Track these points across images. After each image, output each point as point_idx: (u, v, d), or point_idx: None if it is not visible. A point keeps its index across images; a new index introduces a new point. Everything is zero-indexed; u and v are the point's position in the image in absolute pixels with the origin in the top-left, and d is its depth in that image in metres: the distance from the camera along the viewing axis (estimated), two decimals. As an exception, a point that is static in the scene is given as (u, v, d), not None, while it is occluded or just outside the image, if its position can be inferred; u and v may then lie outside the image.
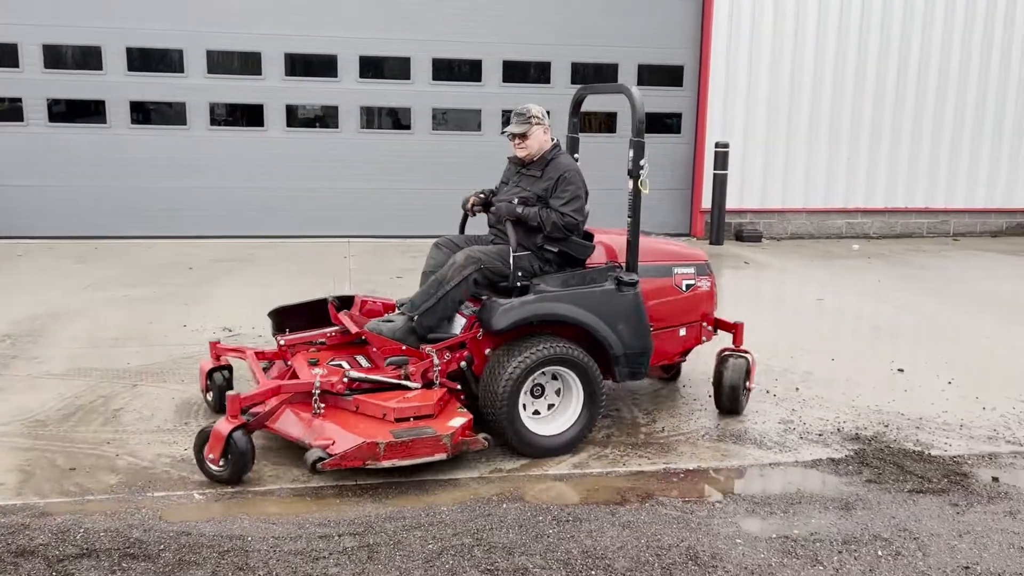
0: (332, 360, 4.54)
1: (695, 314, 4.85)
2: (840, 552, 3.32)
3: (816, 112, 11.74)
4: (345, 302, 5.00)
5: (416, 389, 4.17)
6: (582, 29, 11.20)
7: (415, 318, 4.38)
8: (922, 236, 12.46)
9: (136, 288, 7.81)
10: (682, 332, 4.79)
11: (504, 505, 3.66)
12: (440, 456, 3.83)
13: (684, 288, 4.78)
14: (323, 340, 4.75)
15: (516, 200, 4.53)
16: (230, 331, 6.41)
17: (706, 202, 11.49)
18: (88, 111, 10.39)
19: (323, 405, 4.04)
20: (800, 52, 11.54)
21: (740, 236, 11.72)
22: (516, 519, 3.53)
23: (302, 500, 3.70)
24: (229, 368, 4.75)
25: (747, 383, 4.84)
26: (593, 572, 3.13)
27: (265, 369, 4.74)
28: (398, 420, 3.93)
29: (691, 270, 4.82)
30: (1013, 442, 4.53)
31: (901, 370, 5.77)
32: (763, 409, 4.97)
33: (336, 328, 4.81)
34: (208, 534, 3.35)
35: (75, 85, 10.26)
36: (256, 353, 4.72)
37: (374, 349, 4.51)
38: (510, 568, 3.14)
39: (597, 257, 4.61)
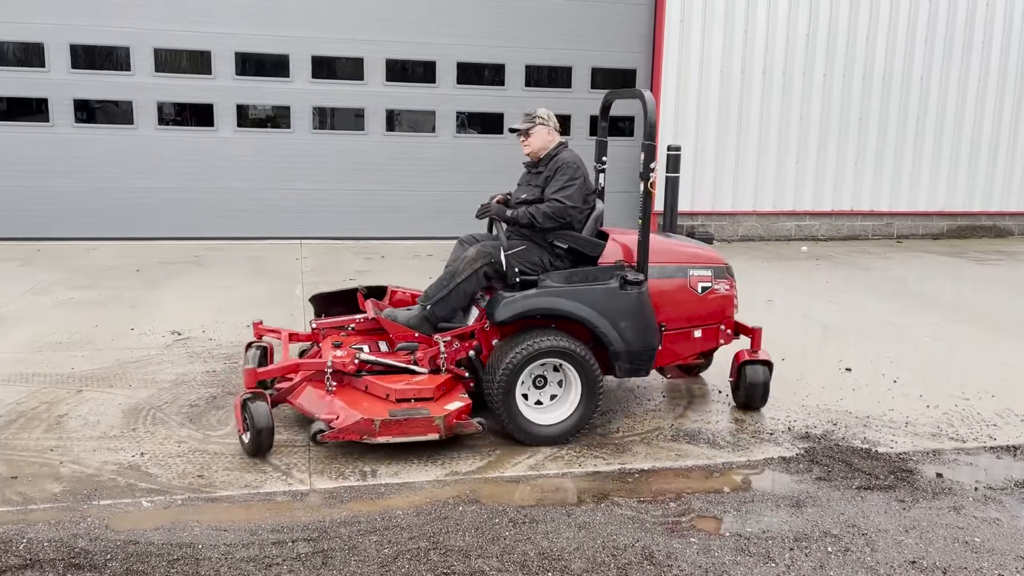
0: (355, 344, 4.74)
1: (711, 316, 4.82)
2: (791, 549, 3.38)
3: (766, 116, 11.96)
4: (379, 292, 5.33)
5: (423, 374, 4.41)
6: (536, 32, 11.24)
7: (428, 307, 4.64)
8: (867, 238, 12.77)
9: (81, 291, 7.60)
10: (697, 334, 4.81)
11: (460, 508, 3.65)
12: (432, 436, 4.06)
13: (699, 290, 4.77)
14: (352, 326, 4.99)
15: (523, 196, 4.78)
16: (179, 335, 6.28)
17: (658, 204, 11.59)
18: (30, 109, 10.10)
19: (335, 384, 4.31)
20: (750, 56, 11.74)
21: (691, 238, 11.84)
22: (472, 522, 3.52)
23: (255, 506, 3.63)
24: (266, 348, 4.98)
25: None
26: (550, 574, 3.14)
27: (304, 352, 5.00)
28: (399, 401, 4.19)
29: (708, 272, 4.80)
30: (956, 439, 4.66)
31: (849, 369, 5.90)
32: (716, 409, 5.04)
33: (364, 315, 5.04)
34: (157, 542, 3.27)
35: (16, 82, 9.96)
36: (291, 334, 4.98)
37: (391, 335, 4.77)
38: (466, 571, 3.13)
39: (613, 256, 4.69)
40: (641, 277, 4.49)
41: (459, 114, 11.28)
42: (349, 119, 11.04)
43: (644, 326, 4.50)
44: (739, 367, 4.99)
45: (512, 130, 5.00)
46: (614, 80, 11.62)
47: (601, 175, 5.29)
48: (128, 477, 3.86)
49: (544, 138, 4.88)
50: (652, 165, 4.44)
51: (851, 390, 5.47)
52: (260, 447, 4.08)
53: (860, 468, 4.20)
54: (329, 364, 4.31)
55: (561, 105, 11.39)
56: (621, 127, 11.83)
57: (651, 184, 4.46)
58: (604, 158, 5.31)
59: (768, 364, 4.97)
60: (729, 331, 4.92)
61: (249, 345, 5.01)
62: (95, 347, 5.90)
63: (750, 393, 4.93)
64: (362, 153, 11.01)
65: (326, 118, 10.98)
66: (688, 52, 11.53)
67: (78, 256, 9.34)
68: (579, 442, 4.45)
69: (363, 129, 11.01)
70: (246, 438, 4.10)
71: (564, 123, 11.45)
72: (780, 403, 5.17)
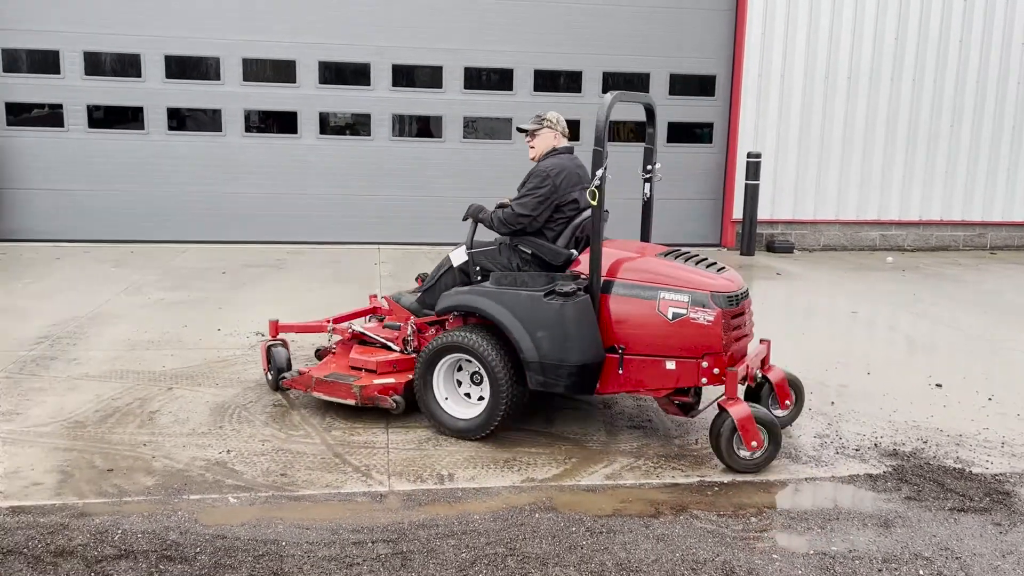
0: (389, 321, 5.30)
1: (686, 348, 4.18)
2: (880, 570, 3.26)
3: (850, 123, 11.61)
4: None
5: (395, 351, 4.90)
6: (614, 39, 11.18)
7: (420, 295, 5.13)
8: (958, 249, 12.26)
9: (171, 292, 7.90)
10: (669, 365, 4.20)
11: (537, 515, 3.65)
12: (350, 401, 4.60)
13: (669, 316, 4.18)
14: None
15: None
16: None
17: (737, 212, 11.41)
18: (127, 117, 10.56)
19: (335, 347, 5.22)
20: (834, 63, 11.43)
21: (771, 247, 11.61)
22: (549, 529, 3.52)
23: (335, 506, 3.71)
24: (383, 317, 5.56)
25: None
26: (628, 585, 3.11)
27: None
28: (353, 368, 4.84)
29: (683, 298, 4.16)
30: (1056, 461, 4.43)
31: (939, 385, 5.67)
32: (798, 423, 4.90)
33: None
34: (243, 538, 3.37)
35: (114, 92, 10.43)
36: (375, 308, 5.70)
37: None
38: (544, 579, 3.13)
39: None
40: (571, 288, 4.21)
41: (535, 121, 11.28)
42: (427, 126, 11.19)
43: (564, 340, 4.18)
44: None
45: (520, 130, 5.04)
46: (692, 86, 11.48)
47: (647, 184, 4.97)
48: (215, 473, 3.99)
49: (549, 142, 4.88)
50: (599, 172, 4.24)
51: (942, 407, 5.25)
52: (279, 383, 4.99)
53: (953, 489, 4.03)
54: (329, 329, 5.17)
55: (638, 112, 11.29)
56: (698, 133, 11.67)
57: (591, 192, 4.24)
58: (650, 165, 4.93)
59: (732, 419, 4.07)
60: (716, 370, 4.15)
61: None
62: (184, 346, 6.12)
63: (711, 440, 4.24)
64: (439, 160, 11.14)
65: (404, 125, 11.16)
66: (770, 57, 11.30)
67: (168, 258, 9.71)
68: (656, 453, 4.40)
69: (441, 136, 11.15)
70: (269, 375, 5.08)
71: (641, 130, 11.46)
72: (866, 418, 5.00)
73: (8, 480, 3.85)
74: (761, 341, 4.80)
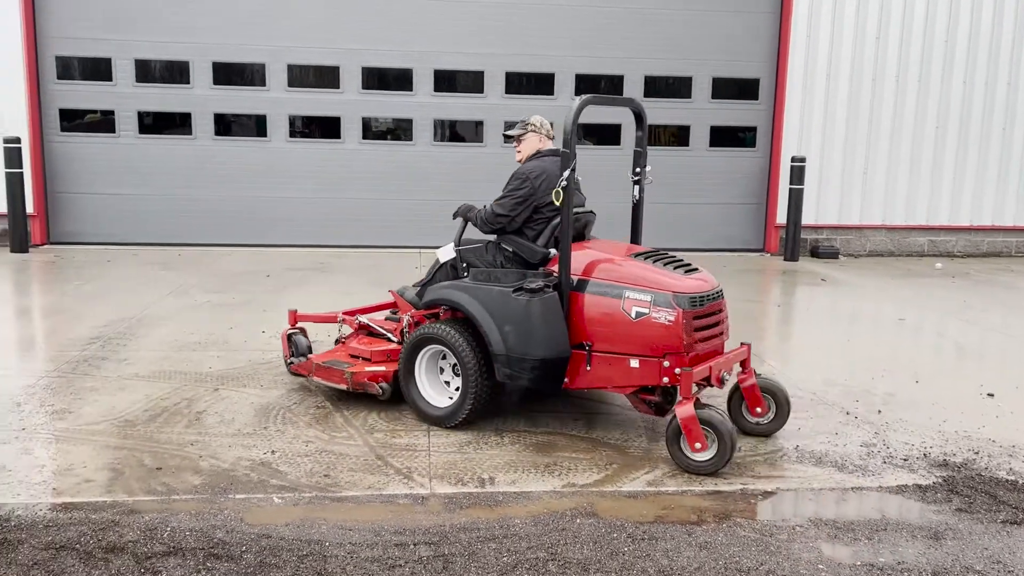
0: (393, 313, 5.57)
1: (648, 347, 4.24)
2: (929, 583, 3.19)
3: (898, 124, 11.40)
4: None
5: (392, 341, 5.14)
6: (655, 42, 11.12)
7: (419, 289, 5.28)
8: (1010, 255, 11.96)
9: (217, 294, 8.05)
10: (633, 363, 4.28)
11: (578, 520, 3.64)
12: (342, 386, 4.89)
13: (633, 315, 4.26)
14: None
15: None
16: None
17: (781, 217, 11.26)
18: (175, 123, 10.78)
19: (345, 337, 5.48)
20: (882, 64, 11.24)
21: (816, 252, 11.44)
22: (590, 535, 3.50)
23: (378, 507, 3.74)
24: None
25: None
26: (670, 592, 3.08)
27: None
28: (352, 356, 5.10)
29: (646, 297, 4.23)
30: (1115, 474, 4.29)
31: (991, 395, 5.53)
32: (844, 431, 4.82)
33: None
34: (288, 538, 3.41)
35: (164, 98, 10.66)
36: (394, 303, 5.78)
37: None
38: (585, 585, 3.12)
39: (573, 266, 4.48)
40: (537, 285, 4.35)
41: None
42: (468, 131, 11.25)
43: (529, 334, 4.32)
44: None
45: (506, 137, 5.22)
46: (735, 90, 11.36)
47: (637, 186, 5.06)
48: (260, 473, 4.05)
49: (534, 145, 5.05)
50: (565, 174, 4.36)
51: (994, 417, 5.12)
52: (289, 367, 5.31)
53: (1006, 501, 3.93)
54: (339, 320, 5.44)
55: (679, 116, 11.25)
56: (741, 137, 11.55)
57: (556, 192, 4.39)
58: (639, 168, 5.05)
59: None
60: (678, 370, 4.16)
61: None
62: (230, 348, 6.22)
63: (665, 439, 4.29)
64: (480, 164, 11.16)
65: (446, 130, 11.22)
66: (815, 59, 11.15)
67: (214, 261, 9.89)
68: (699, 459, 4.35)
69: (482, 141, 11.19)
70: (290, 360, 5.34)
71: (683, 134, 11.39)
72: (914, 428, 4.90)
73: (61, 477, 3.96)
74: (742, 344, 4.70)
